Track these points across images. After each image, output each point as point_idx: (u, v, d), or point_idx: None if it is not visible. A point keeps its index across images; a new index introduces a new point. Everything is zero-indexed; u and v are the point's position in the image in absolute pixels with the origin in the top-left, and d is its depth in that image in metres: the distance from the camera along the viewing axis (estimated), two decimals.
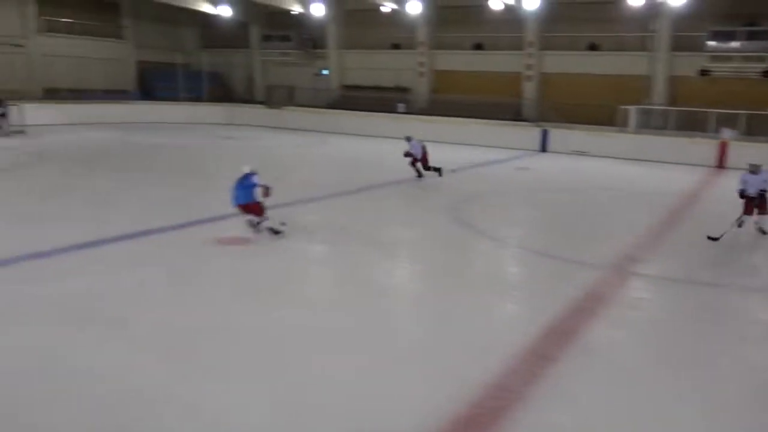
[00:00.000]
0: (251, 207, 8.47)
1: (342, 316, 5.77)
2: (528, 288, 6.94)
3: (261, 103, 30.33)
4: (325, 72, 31.06)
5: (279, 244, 8.19)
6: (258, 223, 8.54)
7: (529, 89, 25.38)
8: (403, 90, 28.19)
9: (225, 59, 30.66)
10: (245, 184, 8.42)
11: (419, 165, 13.68)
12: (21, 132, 20.12)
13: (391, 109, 26.32)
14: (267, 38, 31.07)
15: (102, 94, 27.26)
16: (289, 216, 9.95)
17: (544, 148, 21.65)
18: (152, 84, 31.24)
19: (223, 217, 9.65)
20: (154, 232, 8.52)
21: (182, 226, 8.93)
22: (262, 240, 8.34)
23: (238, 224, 9.24)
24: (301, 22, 30.12)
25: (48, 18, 27.70)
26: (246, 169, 8.54)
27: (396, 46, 28.93)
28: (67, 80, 26.45)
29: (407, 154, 13.63)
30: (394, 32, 28.65)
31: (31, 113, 21.32)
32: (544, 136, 21.79)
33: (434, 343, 5.25)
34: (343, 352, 5.00)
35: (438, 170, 13.70)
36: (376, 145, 22.23)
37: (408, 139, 13.85)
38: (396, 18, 27.77)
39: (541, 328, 5.56)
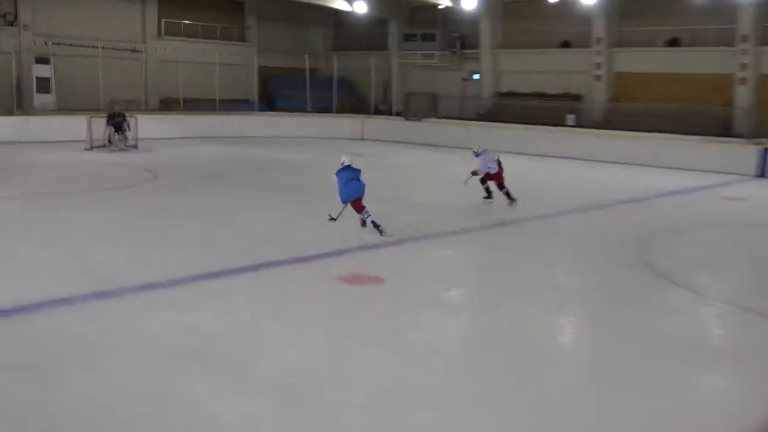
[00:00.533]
0: (359, 203, 10.53)
1: (488, 386, 5.64)
2: (740, 358, 6.53)
3: (398, 114, 31.31)
4: (475, 77, 31.44)
5: (410, 286, 8.34)
6: (365, 220, 10.48)
7: (743, 95, 23.75)
8: (574, 98, 27.68)
9: (358, 64, 32.20)
10: (353, 177, 10.58)
11: (490, 184, 13.90)
12: (134, 146, 22.56)
13: (557, 122, 25.94)
14: (408, 38, 32.19)
15: (221, 104, 29.73)
16: (421, 250, 10.19)
17: (762, 173, 20.29)
18: (275, 93, 33.54)
19: (347, 250, 10.14)
20: (272, 264, 9.09)
21: (305, 258, 9.44)
22: (392, 278, 8.57)
23: (365, 258, 9.61)
24: (448, 17, 30.89)
25: (168, 20, 31.10)
26: (346, 161, 10.80)
27: (565, 44, 28.57)
28: (185, 89, 29.23)
29: (475, 173, 13.86)
30: (564, 27, 28.35)
31: (145, 126, 23.70)
32: (764, 156, 20.41)
33: (614, 430, 5.04)
34: None
35: (512, 199, 13.86)
36: (534, 165, 22.09)
37: (477, 153, 14.02)
38: (566, 10, 27.46)
39: (764, 413, 5.24)
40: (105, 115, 22.67)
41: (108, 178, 16.72)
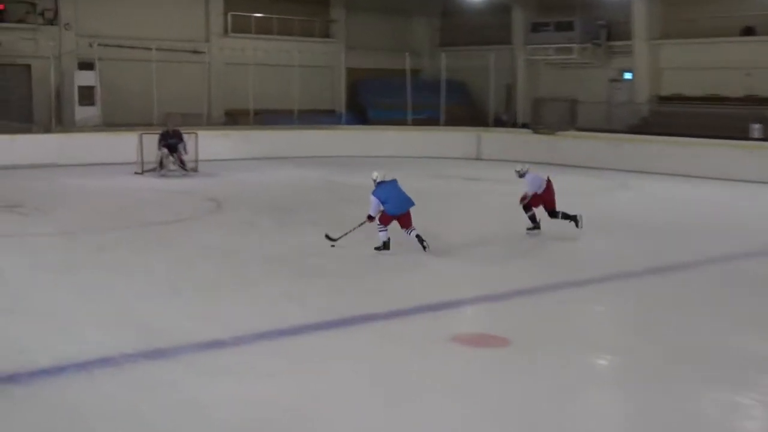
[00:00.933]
0: (408, 217, 12.72)
1: None
2: None
3: (524, 126, 31.12)
4: (626, 76, 30.85)
5: (547, 351, 8.15)
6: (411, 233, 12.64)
7: None
8: (761, 101, 26.65)
9: (472, 62, 32.30)
10: (394, 189, 12.79)
11: (534, 211, 14.49)
12: (193, 170, 23.37)
13: (739, 133, 25.02)
14: (537, 28, 32.01)
15: (300, 116, 30.44)
16: (559, 303, 10.06)
17: None
18: (367, 101, 34.03)
19: (459, 302, 10.04)
20: (364, 319, 9.11)
21: (407, 311, 9.43)
22: (522, 340, 8.41)
23: (486, 312, 9.49)
24: (590, 1, 30.57)
25: (236, 13, 32.31)
26: (378, 177, 12.87)
27: (748, 32, 27.61)
28: (256, 98, 30.13)
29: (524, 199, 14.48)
30: (746, 8, 27.45)
31: (207, 144, 24.54)
32: None
33: None
34: None
35: (574, 219, 14.39)
36: (710, 190, 21.61)
37: (521, 174, 14.63)
38: None
39: None
40: (158, 132, 23.63)
41: (162, 209, 17.35)
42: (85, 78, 28.39)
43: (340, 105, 33.11)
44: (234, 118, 30.99)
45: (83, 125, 27.40)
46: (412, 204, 12.83)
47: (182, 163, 23.10)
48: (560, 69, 32.56)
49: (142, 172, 22.74)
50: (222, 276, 11.23)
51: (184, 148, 23.17)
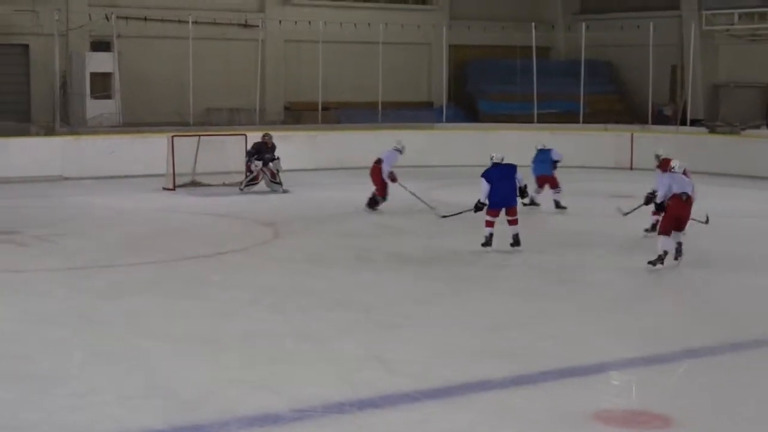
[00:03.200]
0: (514, 213, 16.00)
1: None
2: None
3: (696, 123, 30.80)
4: None
5: None
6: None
7: None
8: None
9: (623, 37, 32.08)
10: (507, 175, 15.97)
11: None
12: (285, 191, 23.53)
13: None
14: None
15: (386, 110, 30.82)
16: (735, 368, 10.02)
17: None
18: (478, 90, 34.21)
19: (603, 365, 10.01)
20: (470, 389, 9.11)
21: (529, 378, 9.38)
22: (683, 417, 8.31)
23: (641, 382, 9.41)
24: None
25: None
26: (496, 157, 16.28)
27: None
28: (326, 87, 30.57)
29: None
30: None
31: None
32: None
33: None
34: None
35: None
36: None
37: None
38: None
39: None
40: (196, 134, 24.08)
41: (200, 238, 17.63)
42: (100, 62, 29.07)
43: (440, 96, 33.37)
44: (296, 115, 31.40)
45: (97, 125, 28.02)
46: (514, 203, 15.94)
47: (275, 179, 23.53)
48: (749, 43, 32.04)
49: (174, 188, 23.26)
50: (279, 329, 11.27)
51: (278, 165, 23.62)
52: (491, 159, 16.39)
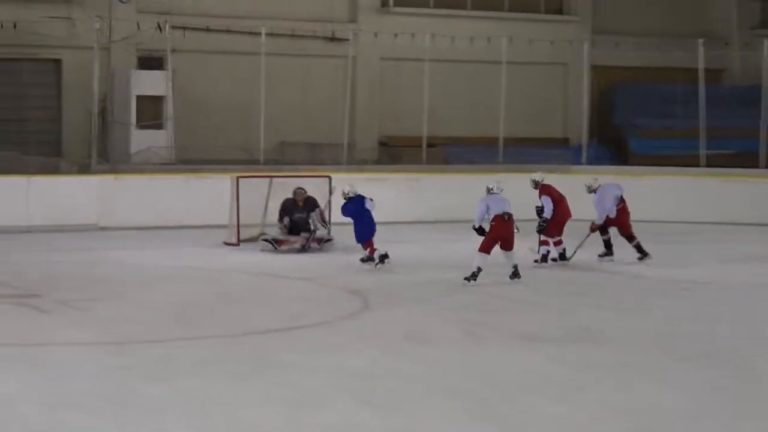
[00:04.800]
0: None
1: None
2: None
3: None
4: None
5: None
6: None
7: None
8: None
9: None
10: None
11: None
12: (328, 240, 23.92)
13: None
14: None
15: (509, 149, 30.67)
16: None
17: None
18: (628, 122, 34.17)
19: None
20: None
21: None
22: None
23: None
24: None
25: None
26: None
27: None
28: (434, 118, 30.55)
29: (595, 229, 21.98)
30: None
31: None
32: None
33: None
34: None
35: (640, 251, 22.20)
36: None
37: (591, 189, 22.03)
38: None
39: None
40: (266, 175, 24.22)
41: (270, 307, 17.67)
42: (150, 82, 29.45)
43: (579, 131, 33.22)
44: (394, 152, 31.43)
45: (143, 162, 28.26)
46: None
47: (313, 237, 23.61)
48: None
49: (238, 242, 23.40)
50: (367, 423, 11.13)
51: (323, 219, 23.80)
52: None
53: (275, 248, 23.24)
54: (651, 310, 18.25)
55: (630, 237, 22.38)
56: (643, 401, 12.18)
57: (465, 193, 27.70)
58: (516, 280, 19.68)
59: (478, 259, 19.13)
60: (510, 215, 19.54)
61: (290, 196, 23.71)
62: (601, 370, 13.79)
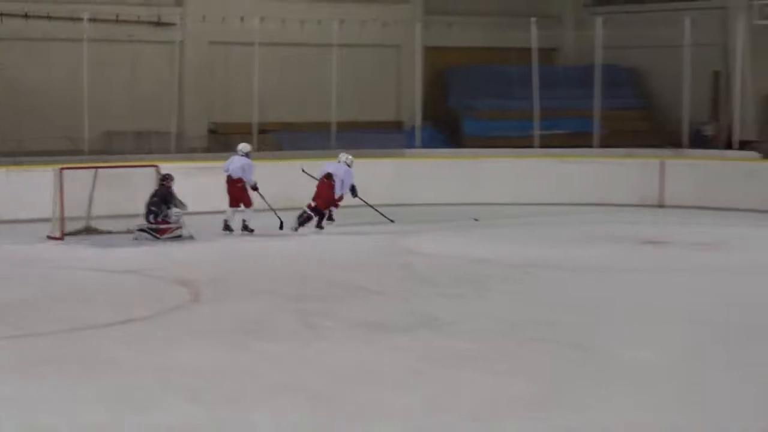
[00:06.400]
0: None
1: None
2: None
3: (747, 145, 30.99)
4: None
5: None
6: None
7: None
8: None
9: (649, 35, 32.16)
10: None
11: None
12: (189, 237, 23.61)
13: None
14: None
15: (342, 132, 30.72)
16: None
17: None
18: (462, 105, 34.26)
19: None
20: None
21: None
22: None
23: None
24: None
25: None
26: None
27: None
28: (265, 103, 30.40)
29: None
30: None
31: (179, 183, 24.45)
32: None
33: None
34: None
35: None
36: None
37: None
38: None
39: None
40: (92, 166, 24.03)
41: (96, 302, 17.25)
42: None
43: (413, 114, 33.22)
44: (224, 140, 31.11)
45: None
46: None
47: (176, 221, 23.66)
48: None
49: (62, 236, 22.99)
50: (201, 423, 10.93)
51: (174, 201, 23.74)
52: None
53: (156, 237, 23.20)
54: (493, 295, 18.43)
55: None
56: (489, 388, 12.28)
57: (298, 179, 27.69)
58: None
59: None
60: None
61: (159, 184, 23.77)
62: (445, 357, 13.82)
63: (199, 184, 26.31)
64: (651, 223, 27.09)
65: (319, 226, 24.67)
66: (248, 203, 24.52)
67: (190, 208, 24.64)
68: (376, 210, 25.76)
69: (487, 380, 12.59)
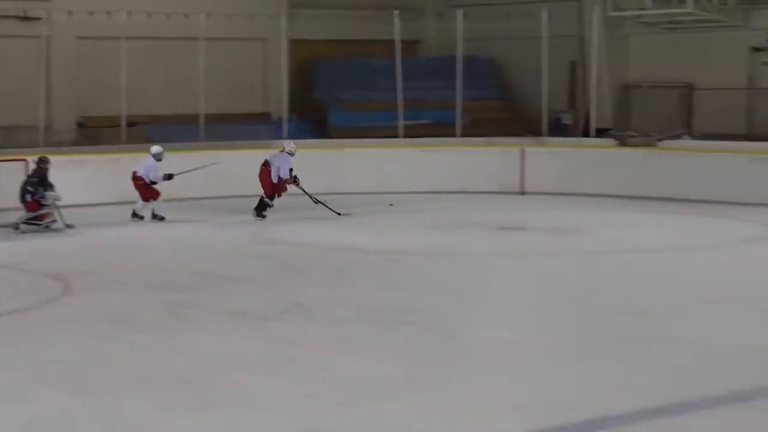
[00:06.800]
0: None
1: None
2: None
3: (603, 133, 31.51)
4: None
5: None
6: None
7: None
8: None
9: (509, 28, 32.65)
10: None
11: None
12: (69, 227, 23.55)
13: None
14: None
15: (211, 125, 30.81)
16: None
17: None
18: (328, 96, 34.39)
19: None
20: None
21: None
22: None
23: None
24: None
25: None
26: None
27: None
28: (133, 97, 30.38)
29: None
30: None
31: (58, 176, 24.52)
32: None
33: None
34: None
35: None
36: None
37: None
38: None
39: None
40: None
41: None
42: None
43: (280, 105, 33.32)
44: (93, 133, 30.98)
45: None
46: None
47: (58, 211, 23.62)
48: (665, 34, 32.92)
49: None
50: (73, 413, 10.99)
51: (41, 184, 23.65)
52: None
53: (39, 224, 23.33)
54: (357, 281, 18.65)
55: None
56: (354, 371, 12.45)
57: (169, 170, 27.78)
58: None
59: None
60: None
61: (37, 166, 23.96)
62: (311, 343, 13.95)
63: (68, 177, 26.03)
64: (511, 209, 27.29)
65: (259, 215, 25.53)
66: (149, 197, 25.32)
67: (69, 199, 24.63)
68: (324, 204, 26.00)
69: (352, 364, 12.75)
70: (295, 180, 25.73)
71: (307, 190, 26.02)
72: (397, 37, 31.89)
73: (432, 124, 31.88)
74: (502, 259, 21.16)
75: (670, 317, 15.42)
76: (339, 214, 25.61)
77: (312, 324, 15.24)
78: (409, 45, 33.44)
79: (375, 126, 32.01)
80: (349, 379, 12.12)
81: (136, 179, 25.24)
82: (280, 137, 31.38)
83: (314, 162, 29.72)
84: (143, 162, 25.51)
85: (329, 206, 25.78)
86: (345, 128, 32.49)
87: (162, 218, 25.22)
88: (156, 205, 25.32)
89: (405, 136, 31.36)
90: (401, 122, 31.73)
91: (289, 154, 25.95)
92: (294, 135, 31.63)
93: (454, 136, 31.64)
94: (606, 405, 10.96)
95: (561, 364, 12.72)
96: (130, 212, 25.58)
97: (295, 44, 33.76)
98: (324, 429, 10.40)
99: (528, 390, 11.51)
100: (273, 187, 25.58)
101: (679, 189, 27.79)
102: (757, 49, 31.32)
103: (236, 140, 30.27)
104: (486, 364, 12.85)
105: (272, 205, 25.58)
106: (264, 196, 25.61)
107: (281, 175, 25.54)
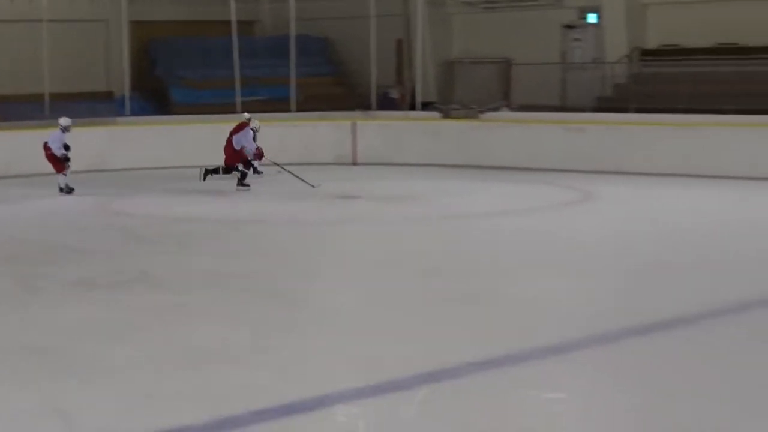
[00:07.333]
0: None
1: None
2: None
3: (428, 107, 31.82)
4: (590, 19, 31.52)
5: None
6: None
7: None
8: None
9: (340, 8, 32.85)
10: None
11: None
12: None
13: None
14: None
15: (55, 103, 30.20)
16: (500, 386, 10.37)
17: None
18: (168, 75, 34.15)
19: (340, 395, 10.26)
20: None
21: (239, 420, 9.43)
22: None
23: (391, 410, 9.64)
24: None
25: None
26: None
27: None
28: None
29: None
30: None
31: None
32: None
33: None
34: None
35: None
36: (728, 199, 22.90)
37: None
38: None
39: None
40: None
41: None
42: None
43: (122, 84, 33.03)
44: None
45: None
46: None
47: None
48: (485, 13, 33.26)
49: None
50: None
51: None
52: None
53: None
54: (201, 249, 18.62)
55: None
56: (199, 337, 12.37)
57: (12, 150, 27.50)
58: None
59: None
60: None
61: None
62: (157, 311, 13.79)
63: None
64: (345, 179, 27.37)
65: (241, 184, 25.48)
66: (58, 169, 24.83)
67: None
68: (297, 176, 25.40)
69: (195, 329, 12.69)
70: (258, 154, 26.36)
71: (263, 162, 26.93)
72: (234, 17, 31.79)
73: (268, 100, 31.72)
74: (340, 226, 21.32)
75: (496, 277, 15.60)
76: (313, 186, 24.78)
77: (157, 292, 15.09)
78: (246, 25, 33.43)
79: (214, 102, 31.90)
80: (192, 343, 12.08)
81: (46, 149, 24.91)
82: (122, 114, 31.24)
83: (155, 138, 29.76)
84: (52, 133, 25.16)
85: (303, 178, 25.13)
86: (186, 105, 32.26)
87: (69, 191, 24.73)
88: (60, 178, 24.81)
89: (242, 112, 31.16)
90: (239, 98, 31.60)
91: (253, 130, 26.42)
92: (137, 112, 31.62)
93: (289, 111, 31.59)
94: (440, 360, 10.93)
95: (397, 322, 12.76)
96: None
97: (136, 25, 33.40)
98: (170, 391, 10.32)
99: (365, 348, 11.53)
100: (234, 156, 25.67)
101: (501, 158, 28.24)
102: (569, 27, 31.81)
103: (80, 117, 29.74)
104: (323, 326, 12.80)
105: (248, 173, 25.94)
106: (225, 166, 25.99)
107: (245, 152, 25.68)
